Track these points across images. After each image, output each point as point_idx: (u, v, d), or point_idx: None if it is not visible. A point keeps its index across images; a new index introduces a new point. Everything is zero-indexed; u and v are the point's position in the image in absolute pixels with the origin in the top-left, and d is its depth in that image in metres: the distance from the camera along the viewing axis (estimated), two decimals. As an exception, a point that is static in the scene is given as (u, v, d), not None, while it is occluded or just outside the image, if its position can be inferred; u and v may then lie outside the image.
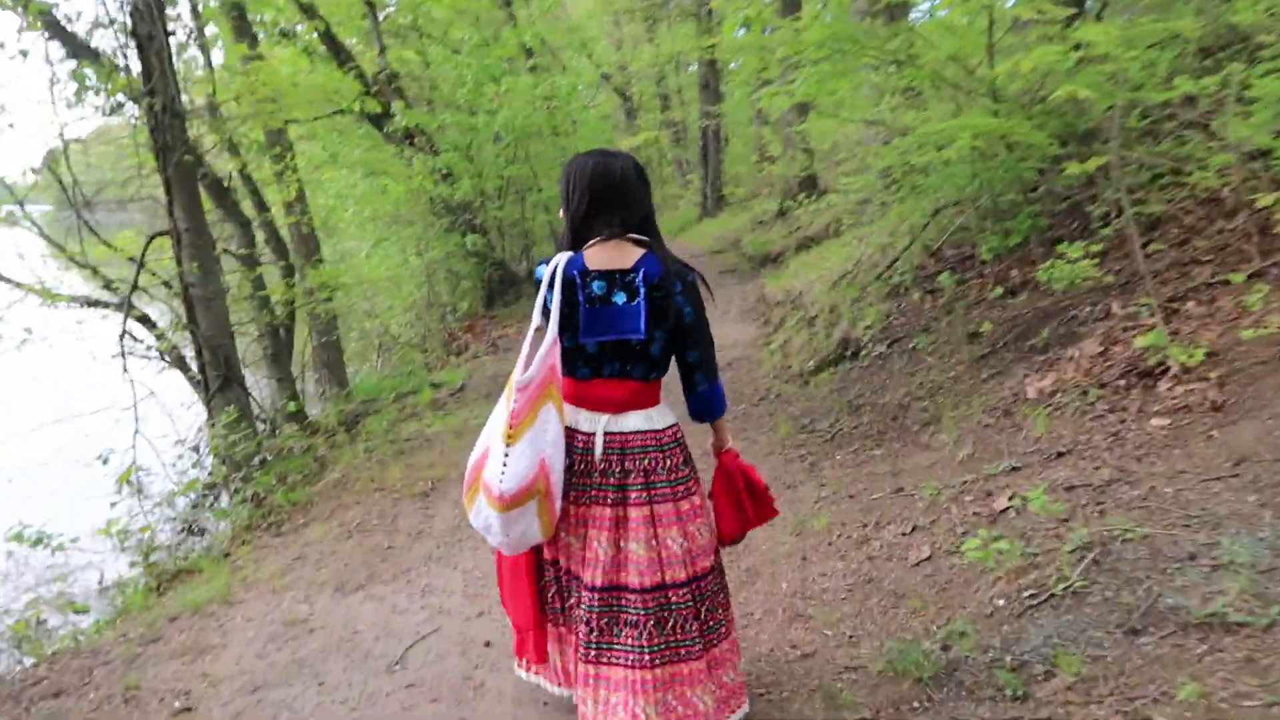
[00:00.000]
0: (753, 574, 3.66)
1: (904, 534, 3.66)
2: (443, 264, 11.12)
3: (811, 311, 7.63)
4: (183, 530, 5.40)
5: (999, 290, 5.24)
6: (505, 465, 2.18)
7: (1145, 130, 5.08)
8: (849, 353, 6.14)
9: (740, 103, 26.14)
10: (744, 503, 2.54)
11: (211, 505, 5.50)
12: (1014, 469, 3.77)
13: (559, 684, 2.60)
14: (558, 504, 2.33)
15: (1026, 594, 2.88)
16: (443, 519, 4.51)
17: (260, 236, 8.63)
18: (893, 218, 8.44)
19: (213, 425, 5.92)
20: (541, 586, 2.52)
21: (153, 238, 6.43)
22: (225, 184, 7.22)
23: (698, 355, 2.40)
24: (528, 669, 2.71)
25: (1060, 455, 3.73)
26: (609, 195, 2.33)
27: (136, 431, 5.53)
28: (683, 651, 2.32)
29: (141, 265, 6.33)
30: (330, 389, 8.23)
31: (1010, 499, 3.49)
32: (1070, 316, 4.80)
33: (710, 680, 2.37)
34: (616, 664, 2.31)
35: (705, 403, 2.47)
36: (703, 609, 2.39)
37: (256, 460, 5.60)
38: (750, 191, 21.67)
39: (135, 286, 6.26)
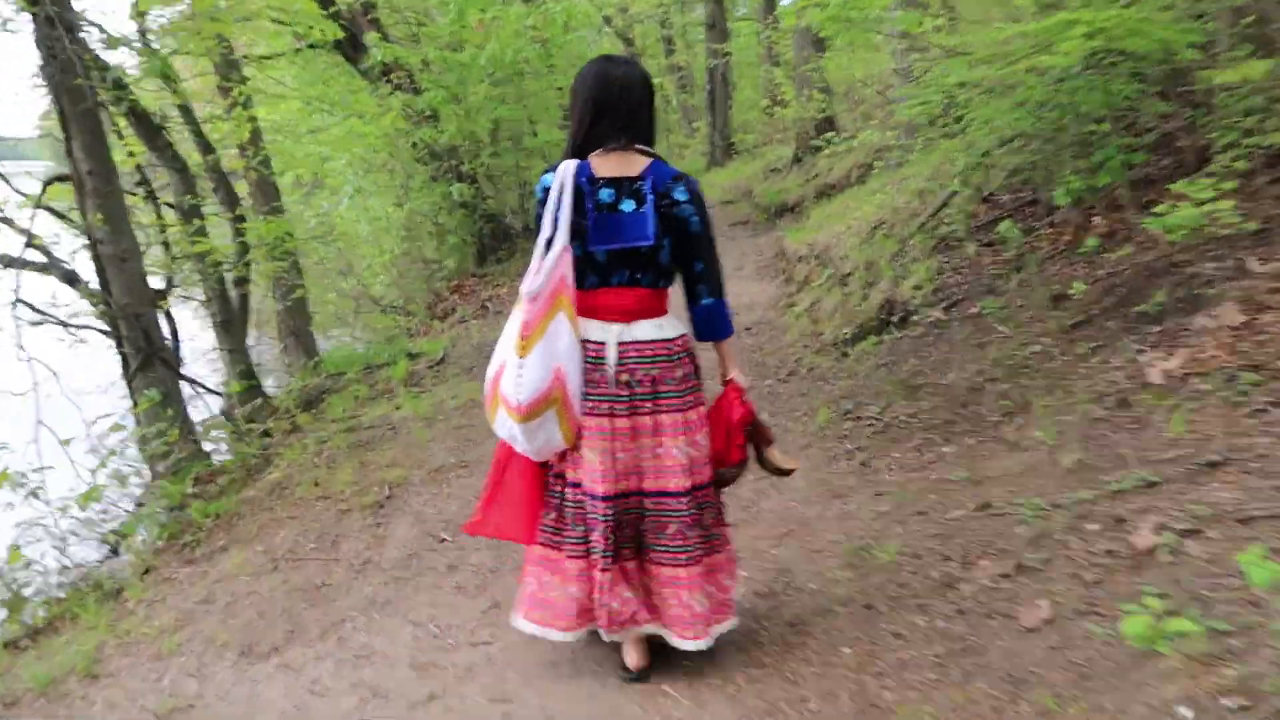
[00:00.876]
0: (801, 630, 2.71)
1: (1004, 576, 2.71)
2: (428, 217, 10.08)
3: (843, 268, 6.60)
4: (109, 552, 4.45)
5: (1093, 242, 4.21)
6: (520, 376, 2.23)
7: None
8: (895, 318, 5.14)
9: (748, 43, 24.78)
10: (723, 439, 2.49)
11: (129, 518, 4.54)
12: (1149, 484, 2.79)
13: (566, 628, 2.48)
14: (577, 411, 2.34)
15: (1227, 702, 1.92)
16: (396, 542, 3.56)
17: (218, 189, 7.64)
18: (935, 158, 7.40)
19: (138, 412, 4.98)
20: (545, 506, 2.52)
21: (49, 182, 5.41)
22: (159, 122, 6.16)
23: (702, 266, 2.40)
24: (527, 616, 2.55)
25: (1213, 466, 2.75)
26: (612, 101, 2.32)
27: (39, 422, 4.58)
28: (682, 557, 2.40)
29: (36, 212, 5.30)
30: (297, 360, 7.31)
31: (1159, 533, 2.52)
32: (1190, 275, 3.78)
33: (706, 585, 2.45)
34: (625, 562, 2.41)
35: (709, 319, 2.46)
36: (704, 516, 2.45)
37: (173, 459, 4.64)
38: (760, 138, 20.45)
39: (29, 243, 5.25)
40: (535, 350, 2.23)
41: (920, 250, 5.85)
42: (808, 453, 4.02)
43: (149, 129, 6.12)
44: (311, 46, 10.42)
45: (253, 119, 6.88)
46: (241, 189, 7.52)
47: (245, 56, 9.28)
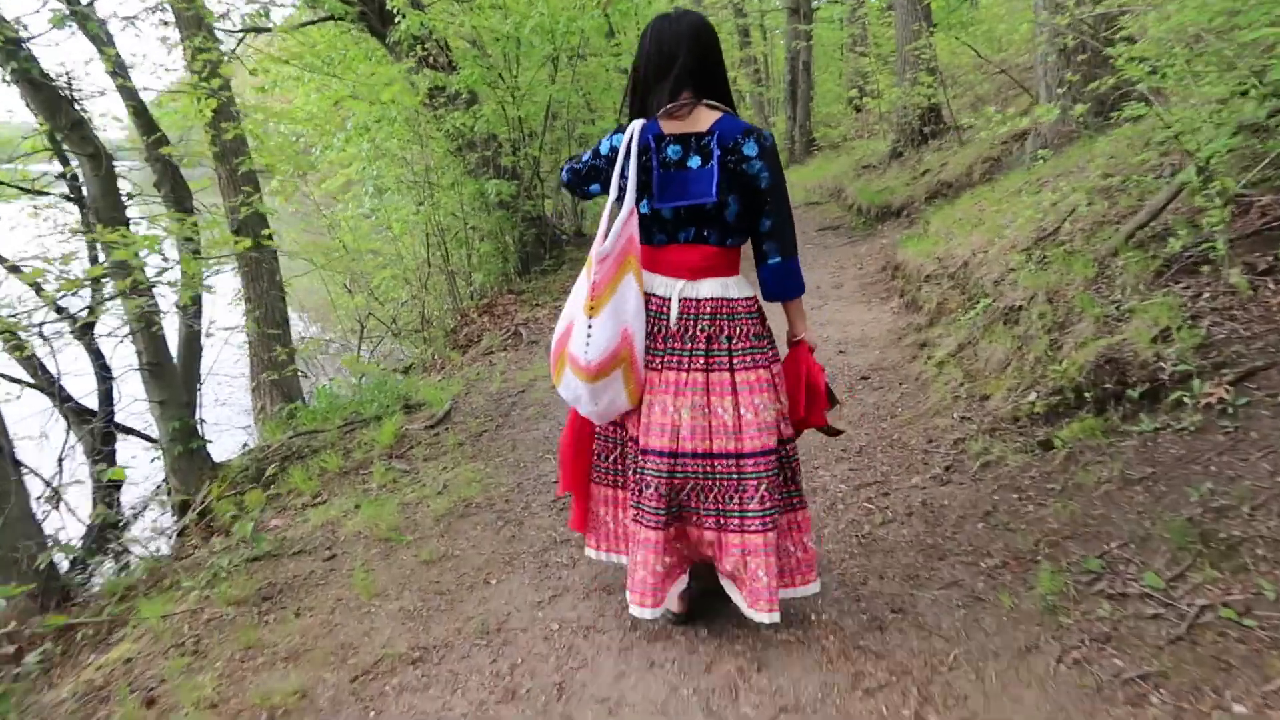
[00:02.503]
0: None
1: None
2: (460, 218, 8.41)
3: (1004, 297, 4.69)
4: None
5: None
6: (590, 337, 2.21)
7: None
8: (1131, 390, 3.23)
9: (829, 32, 22.70)
10: (799, 399, 2.42)
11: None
12: None
13: (619, 552, 2.59)
14: (642, 371, 2.34)
15: None
16: None
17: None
18: (1103, 145, 5.47)
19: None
20: (595, 451, 2.57)
21: None
22: (67, 93, 4.58)
23: (770, 223, 2.30)
24: (598, 547, 2.65)
25: None
26: (667, 58, 2.25)
27: None
28: (756, 523, 2.30)
29: None
30: (272, 406, 5.71)
31: None
32: None
33: (786, 544, 2.43)
34: (668, 525, 2.34)
35: (777, 278, 2.34)
36: (748, 485, 2.30)
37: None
38: (846, 132, 18.41)
39: None
40: (605, 310, 2.20)
41: (1138, 277, 3.92)
42: (1031, 666, 2.17)
43: (51, 102, 4.55)
44: (331, 18, 8.88)
45: (224, 89, 5.30)
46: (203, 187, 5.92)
47: (250, 29, 7.74)
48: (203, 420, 5.08)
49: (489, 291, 8.00)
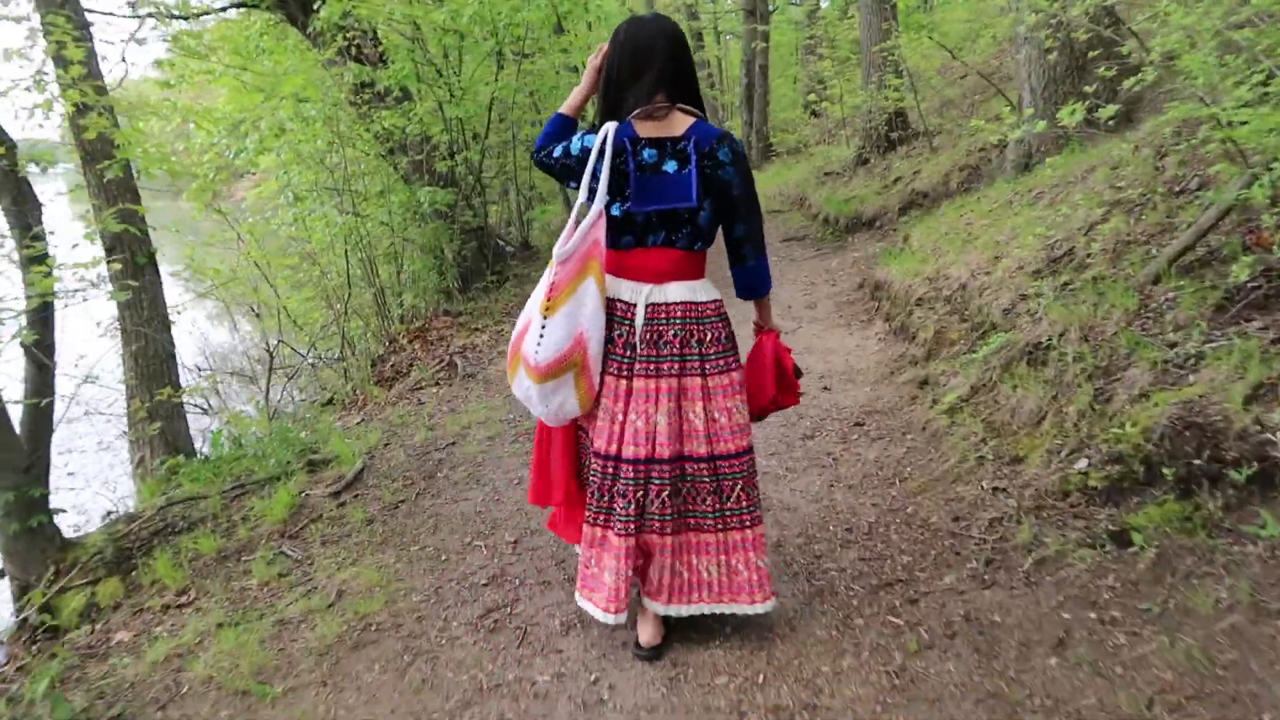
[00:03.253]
0: None
1: None
2: (391, 230, 7.51)
3: (1027, 331, 3.98)
4: None
5: None
6: (542, 337, 2.20)
7: None
8: (1242, 475, 2.50)
9: (784, 36, 22.14)
10: (767, 383, 2.48)
11: None
12: None
13: (615, 611, 2.36)
14: (596, 378, 2.31)
15: None
16: None
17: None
18: (1114, 149, 4.86)
19: None
20: (581, 469, 2.52)
21: None
22: None
23: (744, 229, 2.33)
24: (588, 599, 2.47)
25: None
26: (648, 55, 2.22)
27: None
28: (691, 522, 2.36)
29: None
30: (154, 459, 4.74)
31: None
32: None
33: (721, 557, 2.38)
34: (629, 534, 2.30)
35: (753, 278, 2.41)
36: (724, 486, 2.34)
37: None
38: (804, 138, 17.79)
39: None
40: (560, 312, 2.19)
41: (1197, 312, 3.23)
42: None
43: None
44: (243, 3, 7.92)
45: (88, 80, 4.35)
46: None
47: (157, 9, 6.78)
48: (57, 489, 4.11)
49: (422, 313, 7.11)
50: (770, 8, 17.61)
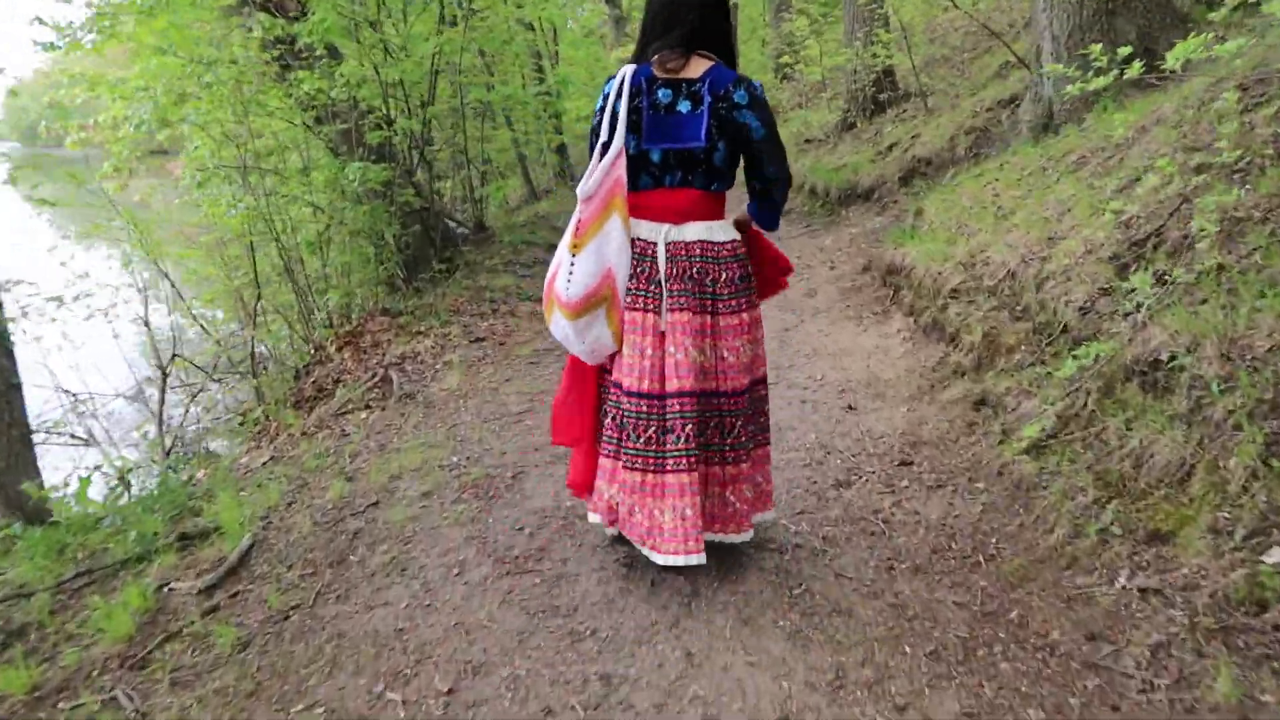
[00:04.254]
0: None
1: None
2: (320, 212, 6.39)
3: (1130, 342, 3.03)
4: None
5: None
6: (571, 273, 2.27)
7: None
8: None
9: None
10: (766, 269, 2.56)
11: None
12: None
13: (610, 523, 2.48)
14: (624, 311, 2.36)
15: None
16: None
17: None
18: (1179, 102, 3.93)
19: None
20: (601, 411, 2.51)
21: None
22: None
23: (775, 170, 2.35)
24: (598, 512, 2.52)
25: None
26: (677, 12, 2.26)
27: None
28: (730, 455, 2.41)
29: None
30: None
31: None
32: None
33: (750, 480, 2.48)
34: (667, 470, 2.31)
35: (776, 216, 2.48)
36: (753, 414, 2.48)
37: None
38: (778, 103, 16.71)
39: None
40: (587, 249, 2.25)
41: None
42: None
43: None
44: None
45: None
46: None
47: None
48: None
49: (357, 313, 6.03)
50: (739, -37, 16.45)
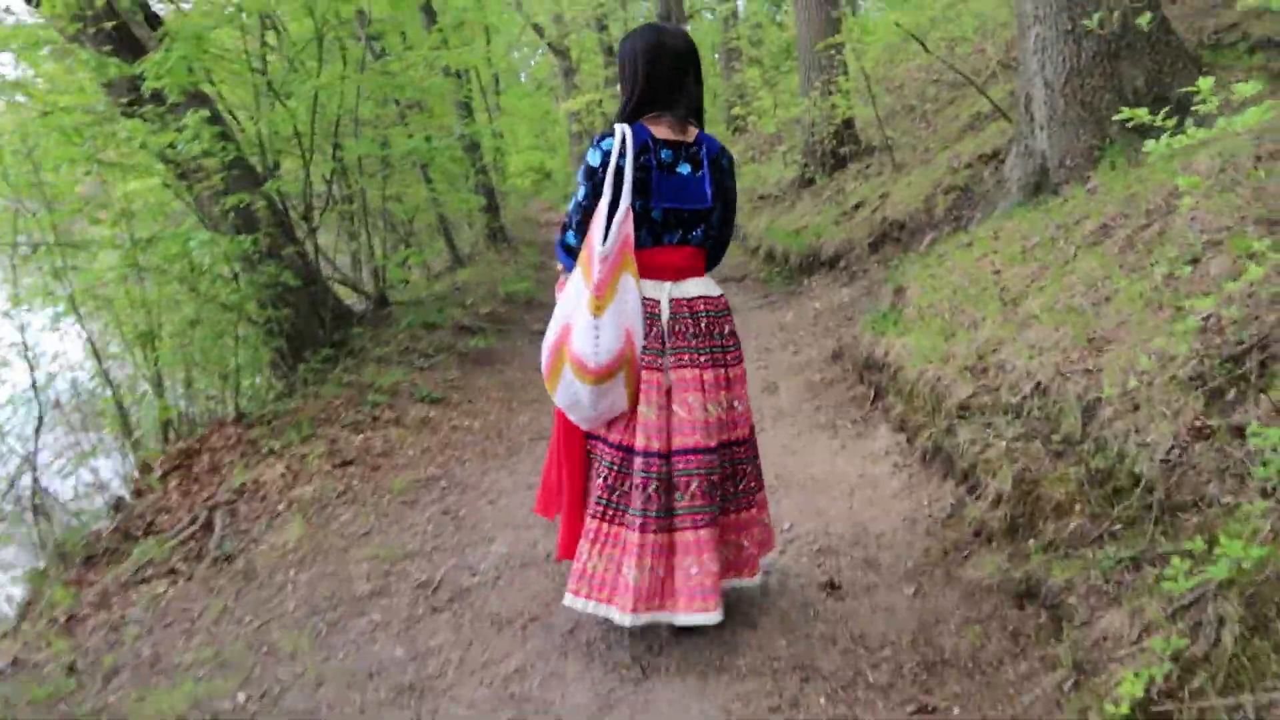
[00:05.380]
0: None
1: None
2: (183, 280, 5.16)
3: (1239, 504, 1.93)
4: None
5: None
6: (598, 337, 2.21)
7: None
8: None
9: (705, 39, 20.16)
10: None
11: None
12: None
13: (631, 609, 2.30)
14: (638, 372, 2.33)
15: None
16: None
17: None
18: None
19: None
20: (588, 478, 2.46)
21: None
22: None
23: (730, 226, 2.52)
24: (586, 595, 2.39)
25: None
26: (666, 72, 2.29)
27: None
28: (743, 502, 2.49)
29: None
30: None
31: None
32: None
33: (759, 523, 2.55)
34: (676, 529, 2.33)
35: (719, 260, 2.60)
36: (755, 457, 2.56)
37: None
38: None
39: None
40: (609, 310, 2.22)
41: None
42: None
43: None
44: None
45: None
46: None
47: None
48: None
49: (203, 420, 4.77)
50: (687, 15, 15.67)
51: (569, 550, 2.46)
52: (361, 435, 4.27)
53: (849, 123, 9.36)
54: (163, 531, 3.58)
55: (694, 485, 2.30)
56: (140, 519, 3.77)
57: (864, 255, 6.64)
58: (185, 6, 6.05)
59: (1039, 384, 3.12)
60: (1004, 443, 3.01)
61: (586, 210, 2.28)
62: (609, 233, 2.19)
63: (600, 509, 2.35)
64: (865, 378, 4.49)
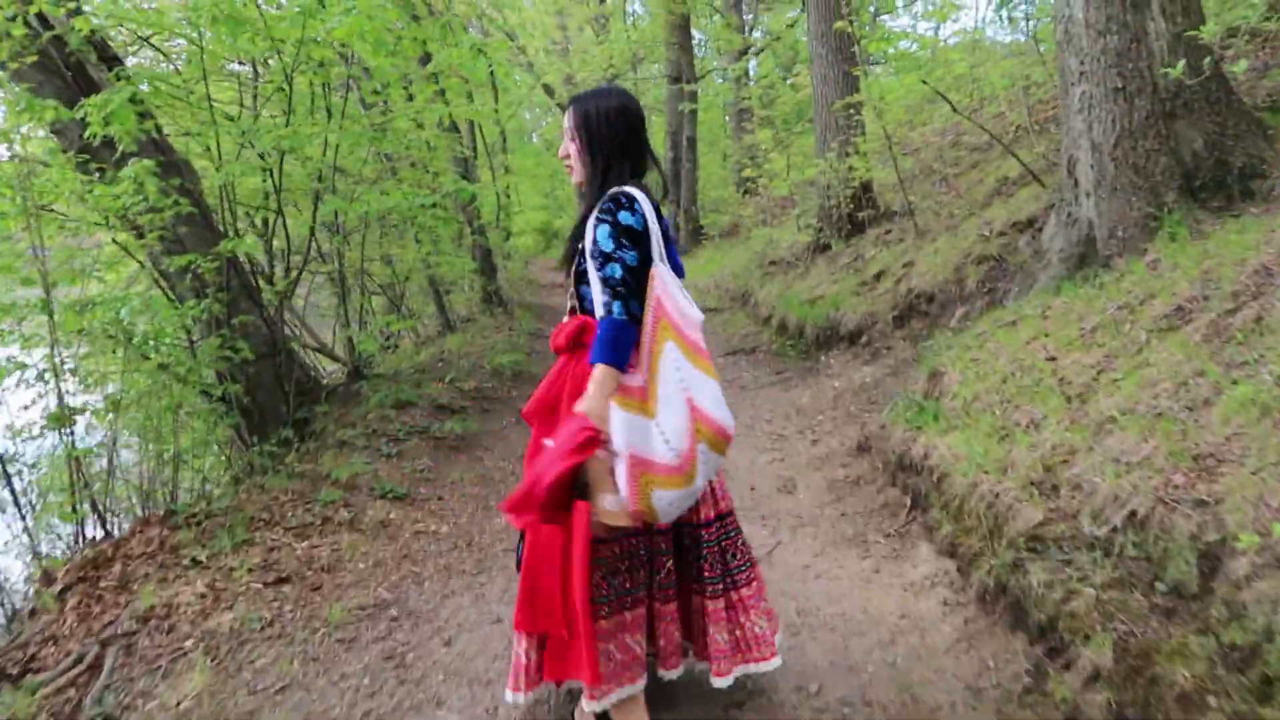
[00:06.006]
0: None
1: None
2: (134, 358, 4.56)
3: None
4: None
5: None
6: (665, 437, 1.99)
7: None
8: None
9: (711, 114, 19.84)
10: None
11: None
12: None
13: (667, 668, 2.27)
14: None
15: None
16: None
17: None
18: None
19: None
20: (595, 583, 2.14)
21: None
22: None
23: None
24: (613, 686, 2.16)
25: None
26: (636, 136, 2.19)
27: None
28: (741, 579, 2.32)
29: None
30: None
31: None
32: None
33: (761, 597, 2.37)
34: (703, 595, 2.27)
35: None
36: (738, 539, 2.36)
37: None
38: (741, 217, 15.40)
39: None
40: (658, 398, 2.04)
41: None
42: None
43: None
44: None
45: None
46: None
47: None
48: None
49: (129, 514, 4.14)
50: (698, 76, 15.36)
51: (559, 671, 2.22)
52: (306, 542, 3.61)
53: (867, 185, 8.84)
54: (43, 670, 2.91)
55: (701, 552, 2.26)
56: (21, 650, 3.10)
57: (888, 330, 6.03)
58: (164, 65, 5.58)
59: (1133, 513, 2.46)
60: (1093, 591, 2.34)
61: (641, 276, 2.03)
62: (682, 298, 2.09)
63: (605, 605, 2.15)
64: (899, 480, 3.84)
